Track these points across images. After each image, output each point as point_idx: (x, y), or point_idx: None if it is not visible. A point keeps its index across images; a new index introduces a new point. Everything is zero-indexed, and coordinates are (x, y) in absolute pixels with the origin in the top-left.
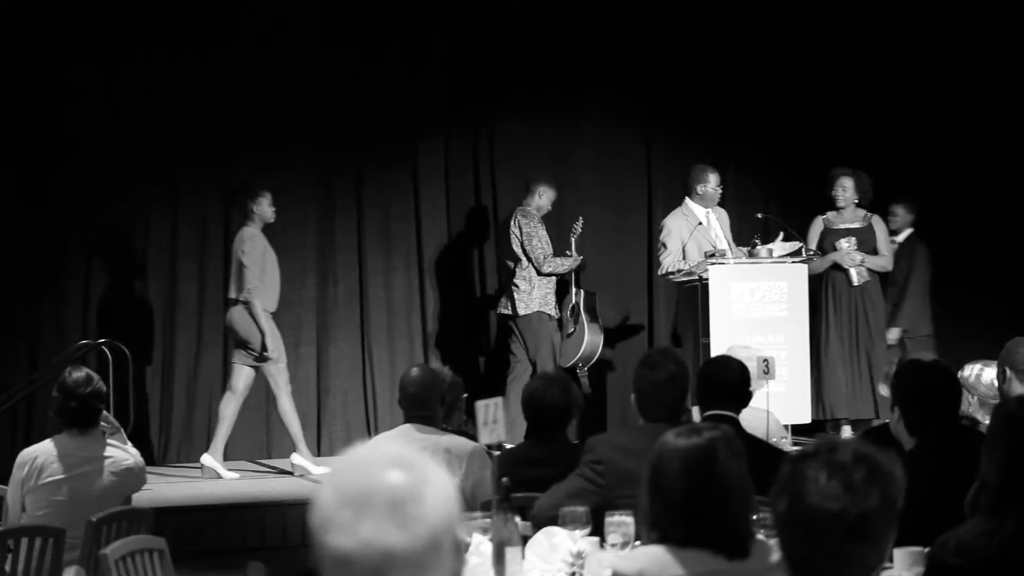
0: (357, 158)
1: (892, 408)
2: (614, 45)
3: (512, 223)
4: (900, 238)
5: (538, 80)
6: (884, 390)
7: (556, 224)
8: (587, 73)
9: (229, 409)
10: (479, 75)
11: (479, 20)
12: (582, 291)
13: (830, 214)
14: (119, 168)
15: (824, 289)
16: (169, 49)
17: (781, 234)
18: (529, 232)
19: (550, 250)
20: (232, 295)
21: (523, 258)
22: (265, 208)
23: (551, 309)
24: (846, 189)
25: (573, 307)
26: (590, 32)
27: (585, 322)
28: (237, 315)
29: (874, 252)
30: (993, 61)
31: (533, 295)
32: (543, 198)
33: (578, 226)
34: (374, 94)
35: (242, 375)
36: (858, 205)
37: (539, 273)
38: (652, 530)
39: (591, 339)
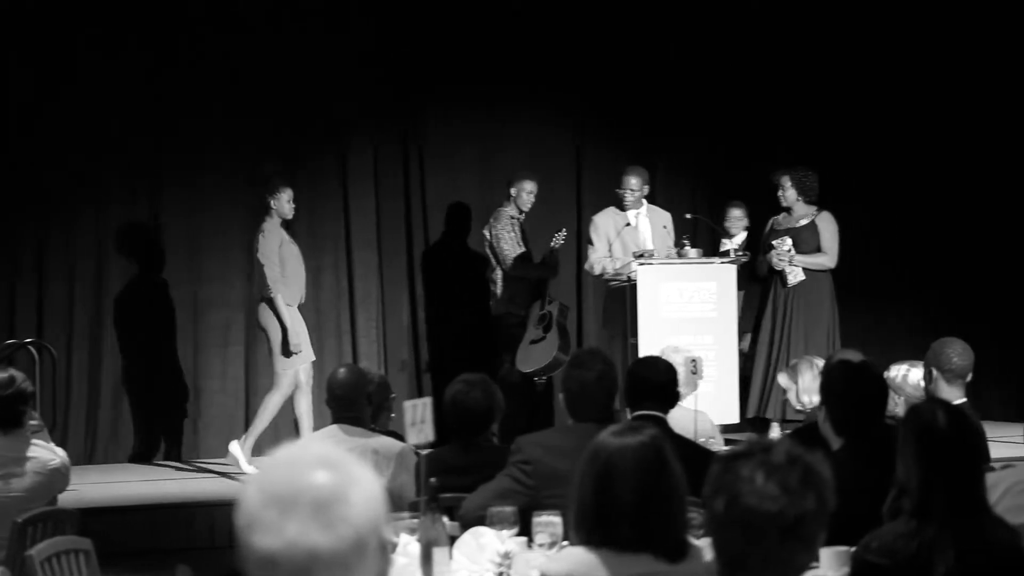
0: (284, 158)
1: (820, 407)
2: (545, 42)
3: (486, 226)
4: (736, 242)
5: (468, 77)
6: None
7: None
8: (517, 70)
9: (271, 402)
10: (408, 72)
11: (408, 15)
12: (558, 303)
13: (781, 215)
14: (42, 169)
15: (768, 292)
16: (99, 49)
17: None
18: (497, 233)
19: (517, 251)
20: (256, 293)
21: (492, 259)
22: (283, 203)
23: (517, 308)
24: (786, 188)
25: (545, 316)
26: (520, 28)
27: (556, 337)
28: (261, 312)
29: (818, 250)
30: (916, 61)
31: (501, 296)
32: (520, 194)
33: (560, 236)
34: (301, 92)
35: (281, 374)
36: (808, 202)
37: (506, 273)
38: (595, 531)
39: (559, 356)
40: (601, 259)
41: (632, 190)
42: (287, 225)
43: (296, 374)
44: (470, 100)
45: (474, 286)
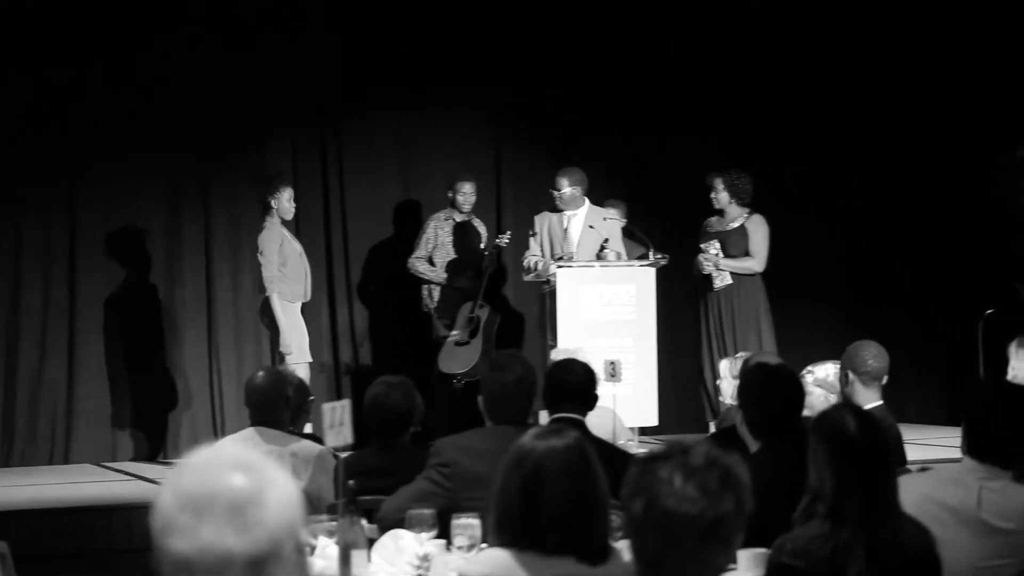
0: (203, 159)
1: (737, 410)
2: (465, 41)
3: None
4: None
5: (387, 77)
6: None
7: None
8: (438, 69)
9: None
10: (326, 74)
11: (326, 14)
12: (488, 308)
13: (714, 218)
14: None
15: (701, 296)
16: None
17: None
18: (422, 231)
19: (424, 252)
20: (260, 291)
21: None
22: (284, 203)
23: (442, 312)
24: (717, 191)
25: (473, 319)
26: (439, 27)
27: (481, 342)
28: (264, 310)
29: (747, 253)
30: (847, 66)
31: (431, 298)
32: (455, 196)
33: (502, 240)
34: (218, 94)
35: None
36: (741, 204)
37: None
38: (521, 535)
39: (482, 364)
40: (529, 259)
41: (557, 191)
42: (291, 223)
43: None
44: (390, 101)
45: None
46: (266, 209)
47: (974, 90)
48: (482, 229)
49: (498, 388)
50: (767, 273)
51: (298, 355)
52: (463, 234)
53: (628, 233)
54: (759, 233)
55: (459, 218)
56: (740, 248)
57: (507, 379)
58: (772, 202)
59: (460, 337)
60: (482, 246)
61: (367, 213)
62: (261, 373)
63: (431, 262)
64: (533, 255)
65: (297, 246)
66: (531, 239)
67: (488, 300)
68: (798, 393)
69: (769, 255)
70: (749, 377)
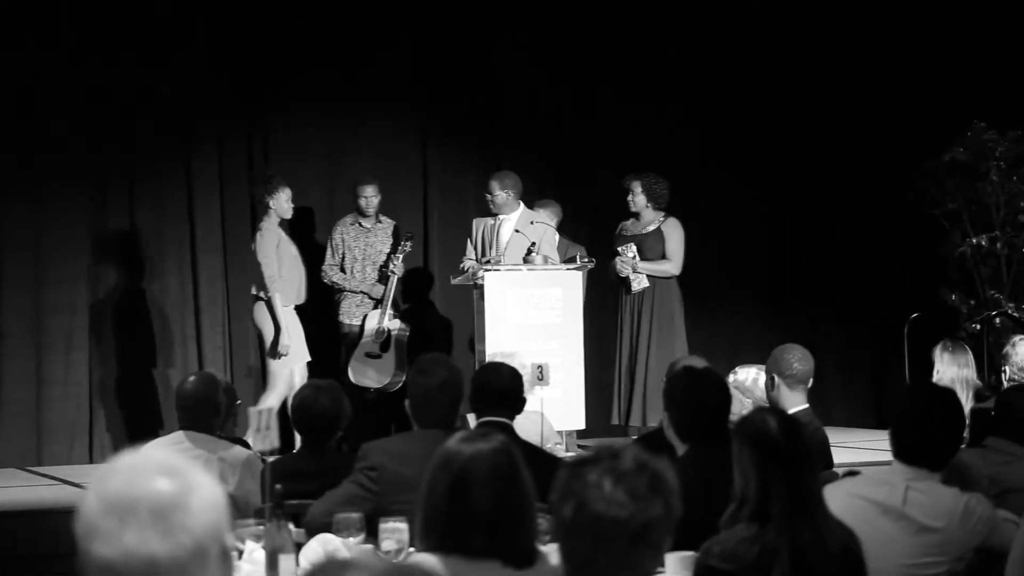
0: (128, 163)
1: (664, 413)
2: (391, 42)
3: None
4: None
5: (313, 79)
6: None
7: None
8: (364, 71)
9: (267, 404)
10: (254, 74)
11: (255, 15)
12: (399, 322)
13: (629, 221)
14: None
15: (618, 296)
16: None
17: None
18: (329, 238)
19: (334, 259)
20: (253, 292)
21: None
22: (282, 203)
23: (347, 318)
24: (635, 194)
25: (383, 332)
26: (366, 28)
27: (394, 356)
28: (257, 311)
29: (663, 257)
30: (769, 63)
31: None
32: (357, 200)
33: (406, 245)
34: (144, 94)
35: (276, 374)
36: (657, 208)
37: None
38: (447, 539)
39: (394, 380)
40: (464, 263)
41: (490, 195)
42: (297, 224)
43: (291, 375)
44: (317, 102)
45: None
46: (264, 209)
47: (903, 93)
48: (390, 232)
49: (423, 392)
50: (688, 276)
51: (298, 355)
52: (368, 239)
53: (571, 235)
54: (675, 236)
55: (365, 223)
56: (656, 251)
57: (431, 383)
58: (697, 203)
59: (371, 348)
60: (387, 251)
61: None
62: (192, 378)
63: (343, 269)
64: (469, 259)
65: (293, 248)
66: (468, 243)
67: (407, 307)
68: (725, 397)
69: (688, 258)
70: (676, 381)
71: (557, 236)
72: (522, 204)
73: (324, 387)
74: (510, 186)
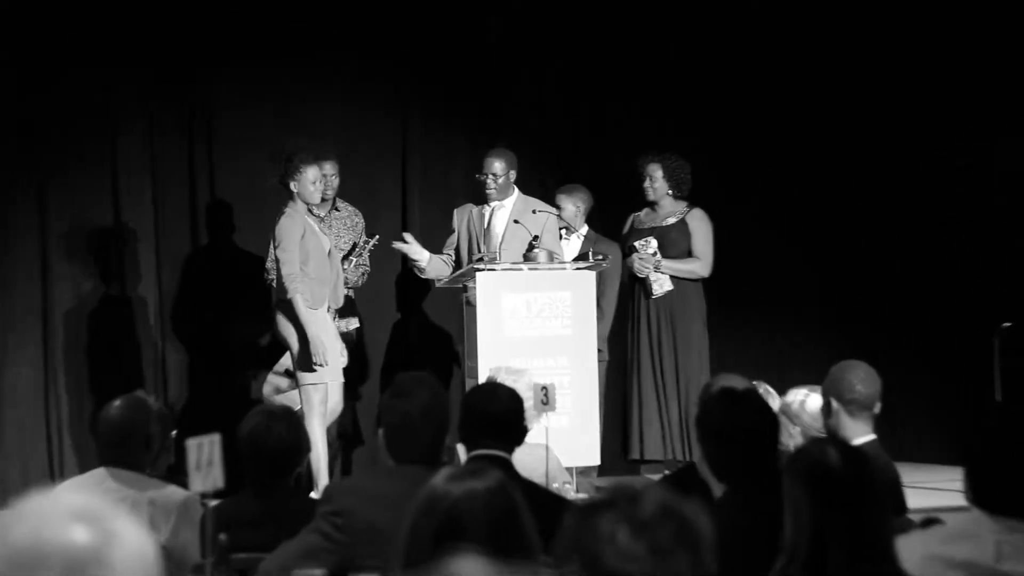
0: (42, 152)
1: (699, 443)
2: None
3: None
4: (579, 236)
5: (262, 47)
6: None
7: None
8: (324, 39)
9: (313, 432)
10: (189, 43)
11: None
12: (355, 326)
13: (644, 211)
14: None
15: (631, 304)
16: None
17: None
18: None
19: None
20: (274, 295)
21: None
22: (307, 185)
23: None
24: (654, 179)
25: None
26: None
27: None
28: (279, 320)
29: (687, 254)
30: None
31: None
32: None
33: (369, 244)
34: (70, 68)
35: (311, 392)
36: (676, 196)
37: None
38: None
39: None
40: (448, 261)
41: (487, 175)
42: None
43: (326, 394)
44: (266, 75)
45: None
46: (290, 194)
47: (973, 78)
48: (356, 220)
49: (400, 419)
50: (711, 279)
51: (335, 368)
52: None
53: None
54: (703, 230)
55: (317, 209)
56: (679, 248)
57: (411, 408)
58: (724, 191)
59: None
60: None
61: (243, 209)
62: (117, 403)
63: None
64: (446, 253)
65: (325, 241)
66: (451, 236)
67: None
68: (771, 424)
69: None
70: (711, 405)
71: (587, 228)
72: (517, 189)
73: (278, 414)
74: (511, 165)
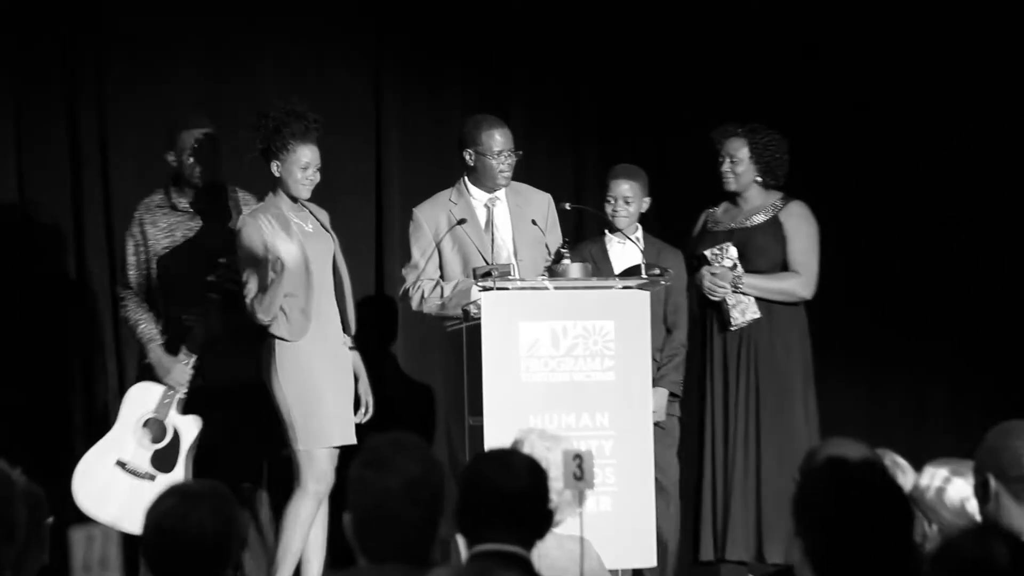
0: None
1: (794, 537)
2: None
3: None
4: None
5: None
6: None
7: None
8: None
9: (301, 511)
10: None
11: None
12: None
13: (720, 207)
14: None
15: (705, 336)
16: None
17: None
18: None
19: (137, 270)
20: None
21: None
22: (294, 170)
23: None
24: (736, 160)
25: (158, 423)
26: None
27: (184, 469)
28: (264, 355)
29: (782, 267)
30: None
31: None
32: (180, 155)
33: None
34: None
35: (304, 456)
36: (767, 185)
37: None
38: None
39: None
40: (425, 282)
41: (509, 152)
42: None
43: (327, 461)
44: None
45: None
46: (271, 180)
47: None
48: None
49: (376, 499)
50: (816, 304)
51: (339, 427)
52: (189, 228)
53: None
54: (803, 232)
55: (182, 200)
56: (770, 257)
57: (390, 483)
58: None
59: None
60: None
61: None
62: None
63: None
64: (429, 274)
65: (326, 244)
66: (413, 248)
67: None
68: (902, 510)
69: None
70: (815, 482)
71: (640, 229)
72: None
73: (200, 493)
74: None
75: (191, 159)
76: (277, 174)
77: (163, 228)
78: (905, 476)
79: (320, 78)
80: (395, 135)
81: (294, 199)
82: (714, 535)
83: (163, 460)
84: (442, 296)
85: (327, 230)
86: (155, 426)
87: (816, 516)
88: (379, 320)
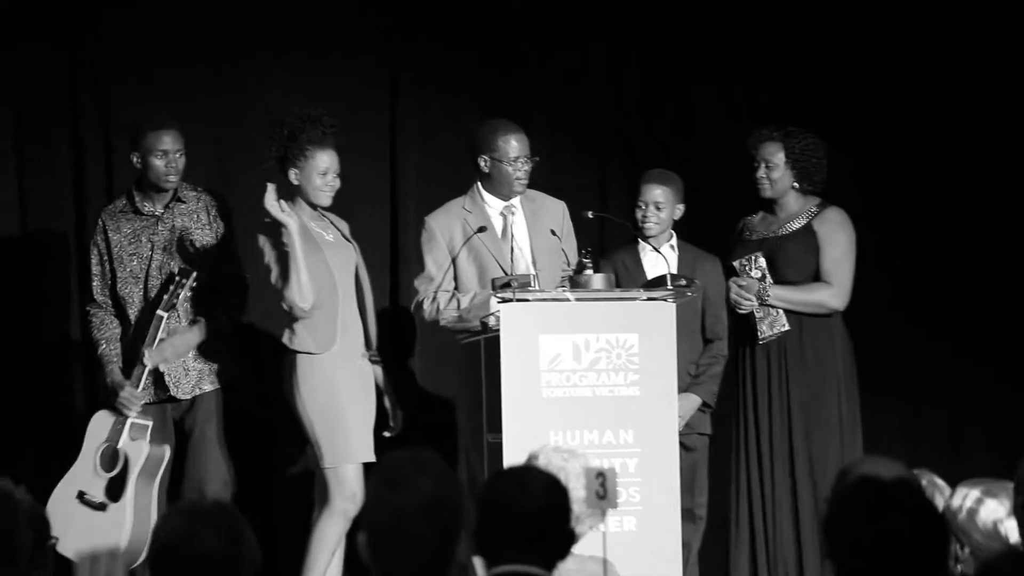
0: None
1: (824, 559)
2: None
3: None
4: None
5: None
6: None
7: None
8: None
9: (327, 533)
10: None
11: None
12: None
13: (758, 215)
14: None
15: (736, 350)
16: None
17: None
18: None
19: (101, 280)
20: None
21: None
22: (312, 177)
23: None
24: (772, 166)
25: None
26: None
27: (133, 504)
28: (286, 368)
29: (815, 276)
30: None
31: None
32: (148, 156)
33: (186, 283)
34: None
35: (332, 473)
36: (805, 191)
37: None
38: None
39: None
40: (441, 294)
41: (526, 159)
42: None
43: (355, 479)
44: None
45: None
46: (287, 188)
47: None
48: (202, 233)
49: (395, 519)
50: (849, 314)
51: (359, 443)
52: (154, 233)
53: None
54: (839, 240)
55: (146, 203)
56: (803, 268)
57: (408, 502)
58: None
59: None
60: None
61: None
62: None
63: (116, 299)
64: (444, 286)
65: (346, 256)
66: (427, 257)
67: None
68: (935, 531)
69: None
70: (845, 503)
71: (674, 236)
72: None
73: (207, 513)
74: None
75: (158, 161)
76: (295, 182)
77: (127, 234)
78: (943, 497)
79: (333, 85)
80: (411, 143)
81: (314, 207)
82: (751, 559)
83: (114, 488)
84: (459, 308)
85: (348, 240)
86: (108, 454)
87: (847, 538)
88: (396, 333)
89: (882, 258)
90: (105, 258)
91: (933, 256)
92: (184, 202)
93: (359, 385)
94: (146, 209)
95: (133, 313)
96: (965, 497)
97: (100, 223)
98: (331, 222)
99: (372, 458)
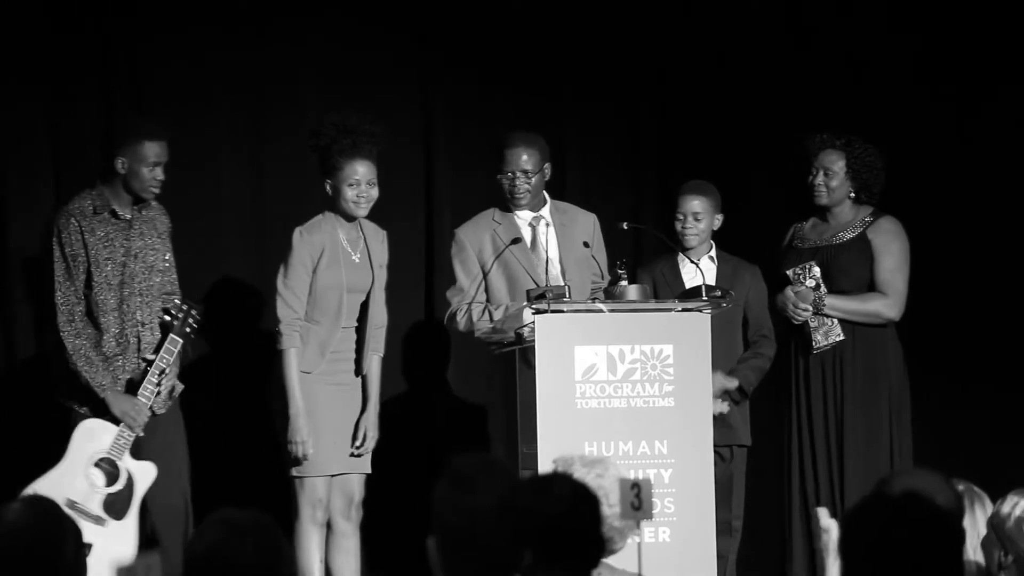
0: None
1: None
2: None
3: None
4: (711, 257)
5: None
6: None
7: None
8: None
9: (306, 547)
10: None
11: None
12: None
13: (809, 222)
14: None
15: (788, 360)
16: None
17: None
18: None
19: (72, 287)
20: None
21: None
22: (343, 187)
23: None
24: (832, 173)
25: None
26: None
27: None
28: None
29: (869, 286)
30: None
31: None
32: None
33: (192, 315)
34: None
35: (300, 487)
36: (860, 200)
37: None
38: None
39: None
40: (475, 305)
41: (514, 173)
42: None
43: (322, 489)
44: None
45: None
46: (325, 198)
47: None
48: (159, 252)
49: (465, 522)
50: (903, 325)
51: (333, 456)
52: (127, 238)
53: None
54: (894, 250)
55: (122, 208)
56: (855, 277)
57: (480, 504)
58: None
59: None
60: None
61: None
62: (16, 506)
63: (91, 309)
64: (477, 298)
65: (364, 276)
66: (457, 269)
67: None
68: (950, 549)
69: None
70: (863, 515)
71: (715, 250)
72: (545, 193)
73: (246, 525)
74: (544, 155)
75: (147, 171)
76: (330, 193)
77: (100, 237)
78: (983, 507)
79: (367, 96)
80: (446, 156)
81: (349, 218)
82: (805, 569)
83: (116, 505)
84: (492, 320)
85: (372, 267)
86: (108, 467)
87: (859, 558)
88: (430, 344)
89: (935, 266)
90: (80, 260)
91: (986, 263)
92: (148, 209)
93: (341, 398)
94: (121, 213)
95: (107, 320)
96: (1015, 506)
97: (74, 223)
98: (364, 235)
99: (344, 471)
